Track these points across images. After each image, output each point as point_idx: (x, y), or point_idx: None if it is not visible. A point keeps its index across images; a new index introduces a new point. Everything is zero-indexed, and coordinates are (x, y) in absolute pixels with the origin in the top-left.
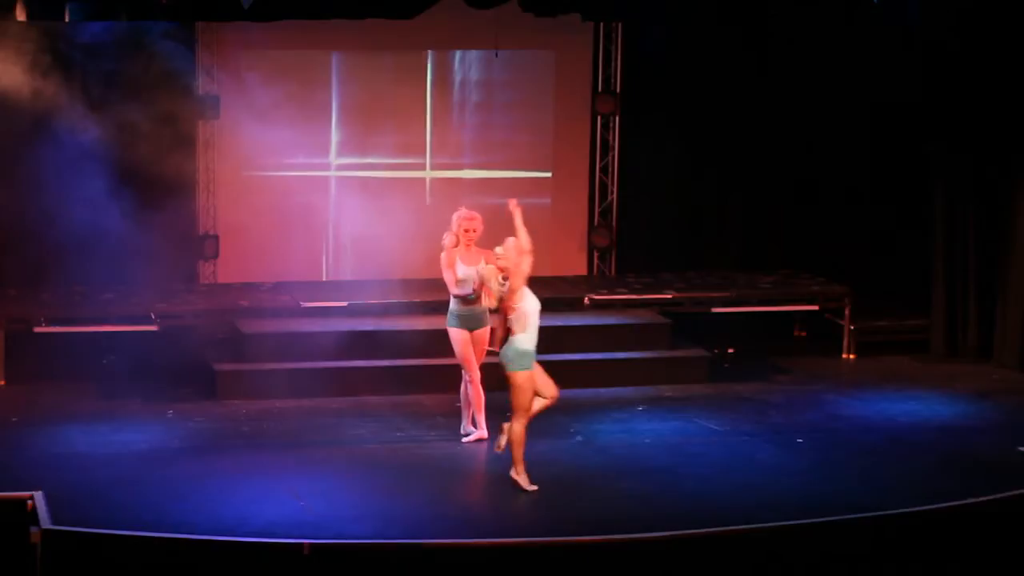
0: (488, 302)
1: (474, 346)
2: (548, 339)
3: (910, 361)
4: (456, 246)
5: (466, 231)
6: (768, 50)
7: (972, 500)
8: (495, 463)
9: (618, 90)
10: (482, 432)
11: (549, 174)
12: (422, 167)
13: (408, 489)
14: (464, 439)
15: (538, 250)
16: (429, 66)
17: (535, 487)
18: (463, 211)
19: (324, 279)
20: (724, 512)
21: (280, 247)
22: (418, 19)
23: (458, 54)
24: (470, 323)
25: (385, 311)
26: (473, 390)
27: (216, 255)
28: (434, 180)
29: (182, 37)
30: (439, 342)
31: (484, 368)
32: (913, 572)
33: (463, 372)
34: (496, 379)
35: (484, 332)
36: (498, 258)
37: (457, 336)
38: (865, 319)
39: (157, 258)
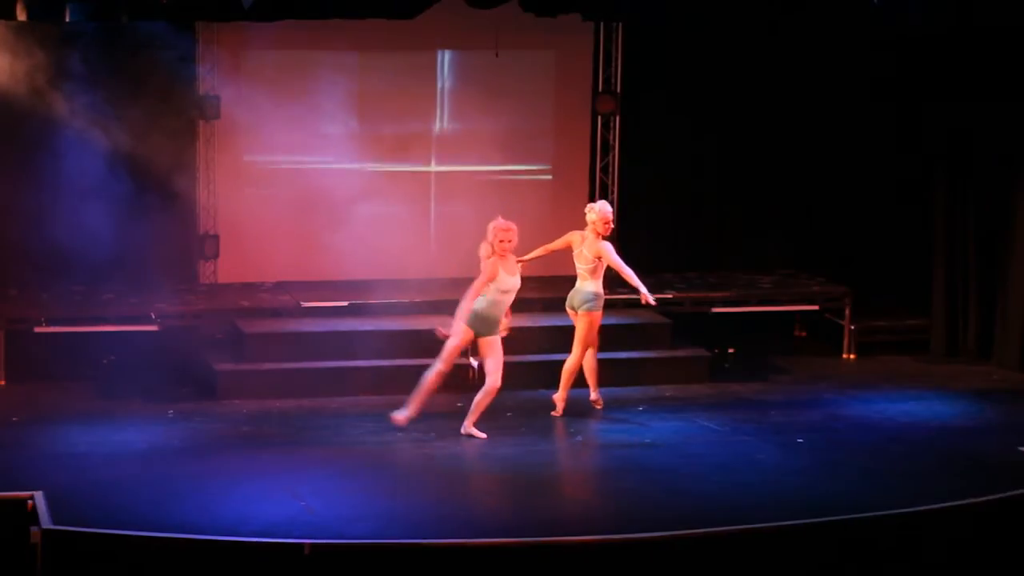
0: None
1: (483, 350)
2: (549, 339)
3: (910, 361)
4: (491, 256)
5: (501, 241)
6: (768, 50)
7: (972, 500)
8: (495, 463)
9: (618, 90)
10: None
11: (549, 174)
12: (422, 167)
13: (408, 489)
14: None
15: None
16: (429, 66)
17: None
18: (500, 221)
19: (324, 279)
20: (724, 512)
21: (280, 247)
22: (418, 19)
23: (458, 54)
24: (491, 329)
25: (385, 311)
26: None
27: (216, 255)
28: (435, 179)
29: (182, 37)
30: (439, 342)
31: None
32: (913, 572)
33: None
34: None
35: (497, 340)
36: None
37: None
38: (865, 319)
39: (157, 258)
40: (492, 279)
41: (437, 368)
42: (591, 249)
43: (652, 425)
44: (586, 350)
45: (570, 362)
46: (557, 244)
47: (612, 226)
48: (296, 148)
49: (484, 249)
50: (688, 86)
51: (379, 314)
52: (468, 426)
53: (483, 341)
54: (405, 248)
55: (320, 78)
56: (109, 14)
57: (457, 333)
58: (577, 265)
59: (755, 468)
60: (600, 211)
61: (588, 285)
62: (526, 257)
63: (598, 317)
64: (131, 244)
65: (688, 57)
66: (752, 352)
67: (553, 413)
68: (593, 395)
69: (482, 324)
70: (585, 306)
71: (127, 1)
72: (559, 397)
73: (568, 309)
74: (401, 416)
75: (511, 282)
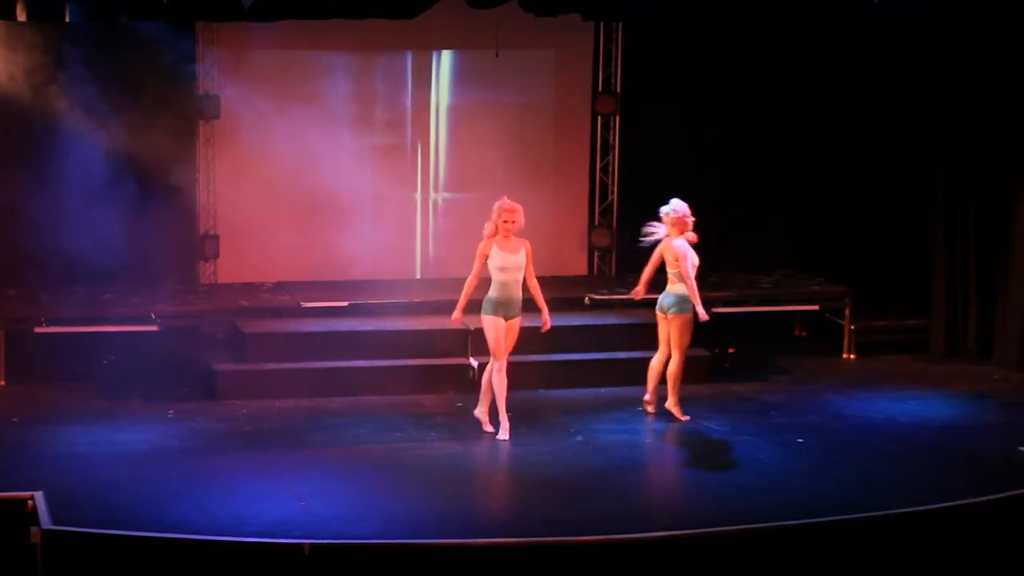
0: None
1: (507, 335)
2: (548, 339)
3: (910, 361)
4: (495, 235)
5: (505, 222)
6: (769, 50)
7: (972, 500)
8: (495, 463)
9: (618, 90)
10: (504, 427)
11: (550, 174)
12: (422, 167)
13: (408, 489)
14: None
15: (538, 250)
16: (430, 66)
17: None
18: (505, 202)
19: (324, 279)
20: (724, 512)
21: (280, 247)
22: (419, 19)
23: (458, 54)
24: (507, 311)
25: (385, 311)
26: (499, 379)
27: (216, 255)
28: (435, 180)
29: (182, 37)
30: (439, 342)
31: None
32: (913, 572)
33: (491, 360)
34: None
35: (517, 321)
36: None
37: (491, 323)
38: (865, 319)
39: (157, 258)
40: (485, 256)
41: (498, 367)
42: (669, 252)
43: (652, 425)
44: (681, 351)
45: (655, 361)
46: (655, 257)
47: (690, 219)
48: (296, 148)
49: (488, 228)
50: (688, 86)
51: (379, 314)
52: (483, 413)
53: (510, 324)
54: (405, 248)
55: (320, 78)
56: (109, 14)
57: (489, 325)
58: (668, 270)
59: (755, 468)
60: (674, 209)
61: (677, 288)
62: (640, 285)
63: (688, 319)
64: (131, 244)
65: (688, 57)
66: (752, 352)
67: (650, 411)
68: (669, 400)
69: (503, 308)
70: (673, 309)
71: (127, 1)
72: (648, 399)
73: (658, 312)
74: (489, 427)
75: (507, 259)
